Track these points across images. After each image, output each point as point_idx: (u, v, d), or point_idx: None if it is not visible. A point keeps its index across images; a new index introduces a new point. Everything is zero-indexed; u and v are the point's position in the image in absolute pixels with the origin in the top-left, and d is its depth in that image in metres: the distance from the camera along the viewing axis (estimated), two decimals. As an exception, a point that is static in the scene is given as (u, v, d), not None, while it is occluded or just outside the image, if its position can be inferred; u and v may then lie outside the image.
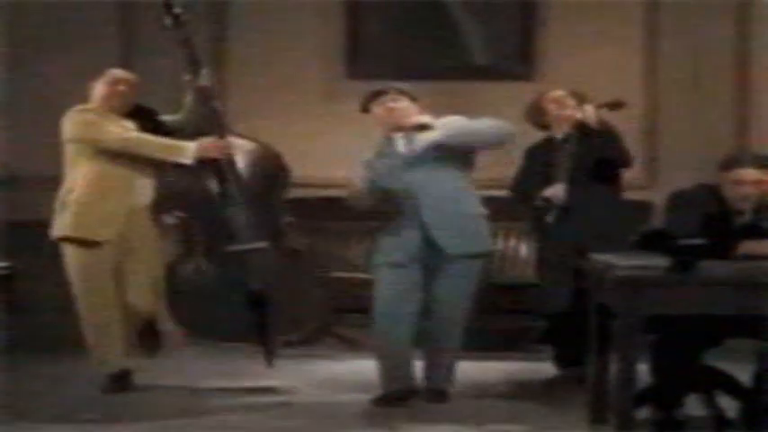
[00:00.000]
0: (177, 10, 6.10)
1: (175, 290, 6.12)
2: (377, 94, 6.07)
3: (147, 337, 6.19)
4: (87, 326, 6.06)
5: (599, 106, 6.40)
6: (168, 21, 6.11)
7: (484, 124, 5.98)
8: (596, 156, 6.36)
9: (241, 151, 6.22)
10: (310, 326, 6.46)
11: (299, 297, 6.20)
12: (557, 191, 6.37)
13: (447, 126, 5.95)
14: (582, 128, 6.39)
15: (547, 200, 6.38)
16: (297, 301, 6.20)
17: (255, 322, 6.13)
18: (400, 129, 6.02)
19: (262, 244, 6.14)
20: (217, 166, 6.11)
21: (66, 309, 6.24)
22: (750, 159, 5.39)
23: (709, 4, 8.13)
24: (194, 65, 6.14)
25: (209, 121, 6.12)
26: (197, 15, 6.33)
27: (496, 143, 6.02)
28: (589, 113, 6.36)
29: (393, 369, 5.96)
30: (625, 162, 6.46)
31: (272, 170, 6.30)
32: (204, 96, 6.14)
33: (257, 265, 6.11)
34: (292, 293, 6.17)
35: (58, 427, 5.44)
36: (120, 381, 6.08)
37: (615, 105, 6.44)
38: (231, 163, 6.15)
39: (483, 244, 6.06)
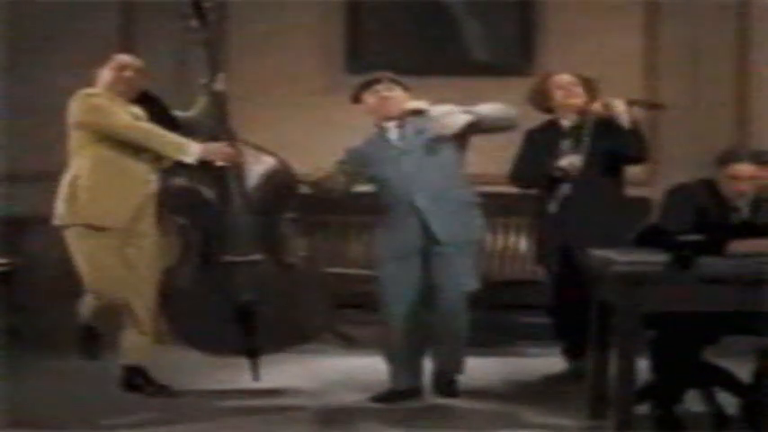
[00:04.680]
0: (205, 9, 6.06)
1: (168, 295, 6.09)
2: (369, 84, 6.06)
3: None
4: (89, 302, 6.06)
5: (631, 103, 6.28)
6: (194, 21, 6.08)
7: (499, 107, 6.00)
8: (616, 150, 6.24)
9: (251, 161, 6.17)
10: (300, 340, 6.37)
11: (290, 312, 6.13)
12: (573, 160, 6.26)
13: (473, 109, 5.96)
14: (603, 120, 6.25)
15: (562, 169, 6.28)
16: (287, 316, 6.13)
17: (243, 335, 6.07)
18: (394, 117, 6.01)
19: (256, 257, 6.08)
20: (222, 173, 6.08)
21: (66, 305, 6.24)
22: (747, 155, 5.38)
23: (709, 4, 8.13)
24: (213, 68, 6.10)
25: (219, 126, 6.09)
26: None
27: (511, 125, 6.05)
28: (620, 110, 6.20)
29: (401, 367, 5.98)
30: (644, 159, 6.43)
31: (280, 184, 6.21)
32: (218, 101, 6.10)
33: (250, 277, 6.05)
34: (283, 308, 6.10)
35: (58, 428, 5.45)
36: (90, 336, 6.11)
37: (653, 106, 6.32)
38: (238, 172, 6.10)
39: (476, 230, 6.05)
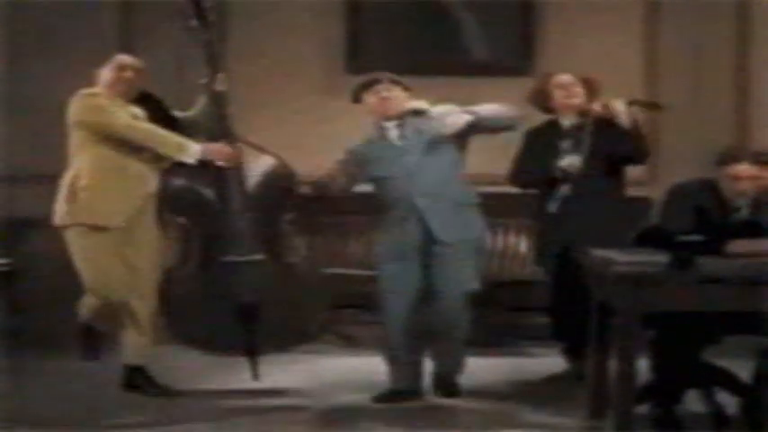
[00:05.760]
0: (206, 9, 6.06)
1: (168, 295, 6.08)
2: (369, 84, 6.06)
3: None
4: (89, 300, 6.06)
5: (631, 103, 6.30)
6: (194, 21, 6.08)
7: (500, 108, 6.00)
8: (616, 150, 6.25)
9: (251, 161, 6.17)
10: (302, 340, 6.37)
11: (290, 312, 6.12)
12: (572, 161, 6.28)
13: (474, 109, 5.96)
14: (603, 120, 6.28)
15: (563, 170, 6.28)
16: (288, 316, 6.13)
17: (243, 335, 6.08)
18: (393, 117, 6.02)
19: (258, 257, 6.09)
20: (222, 173, 6.07)
21: (66, 306, 6.24)
22: (747, 155, 5.39)
23: (709, 4, 8.13)
24: (213, 68, 6.08)
25: (219, 126, 6.09)
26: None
27: (513, 125, 6.05)
28: (620, 111, 6.22)
29: (401, 368, 5.98)
30: (644, 159, 6.43)
31: (279, 184, 6.22)
32: (218, 101, 6.09)
33: (250, 278, 6.05)
34: (284, 308, 6.09)
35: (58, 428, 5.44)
36: (90, 336, 6.11)
37: (652, 106, 6.34)
38: (238, 172, 6.10)
39: (476, 230, 6.04)
